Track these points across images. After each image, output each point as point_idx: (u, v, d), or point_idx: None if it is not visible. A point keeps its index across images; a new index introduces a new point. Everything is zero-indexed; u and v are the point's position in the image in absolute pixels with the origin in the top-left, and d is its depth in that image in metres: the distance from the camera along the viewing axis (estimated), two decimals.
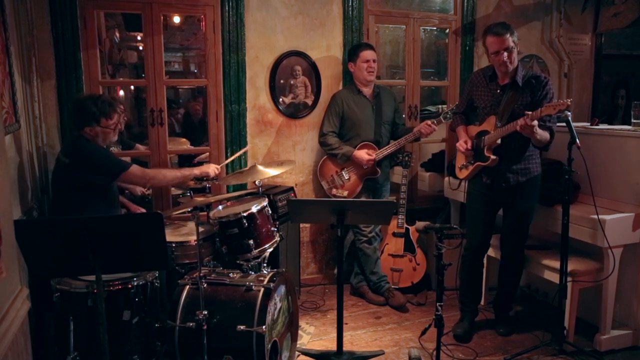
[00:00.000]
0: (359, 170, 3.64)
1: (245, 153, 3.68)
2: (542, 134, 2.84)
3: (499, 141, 2.98)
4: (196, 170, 3.00)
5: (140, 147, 4.04)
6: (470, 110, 3.32)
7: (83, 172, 2.64)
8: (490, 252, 3.44)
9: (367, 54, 3.60)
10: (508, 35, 2.88)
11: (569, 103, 2.64)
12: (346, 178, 3.67)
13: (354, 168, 3.65)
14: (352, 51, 3.70)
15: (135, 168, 2.78)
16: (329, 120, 3.67)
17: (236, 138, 3.67)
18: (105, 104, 2.72)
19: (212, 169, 3.03)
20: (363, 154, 3.56)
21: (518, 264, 3.25)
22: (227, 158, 3.62)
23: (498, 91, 3.04)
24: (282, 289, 2.69)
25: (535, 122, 2.73)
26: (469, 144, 3.12)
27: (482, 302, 3.60)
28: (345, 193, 3.66)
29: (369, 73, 3.61)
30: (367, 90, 3.69)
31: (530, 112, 2.74)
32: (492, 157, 3.00)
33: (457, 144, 3.20)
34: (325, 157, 3.78)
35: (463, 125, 3.28)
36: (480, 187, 3.17)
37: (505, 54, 2.89)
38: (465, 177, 3.22)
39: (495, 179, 3.07)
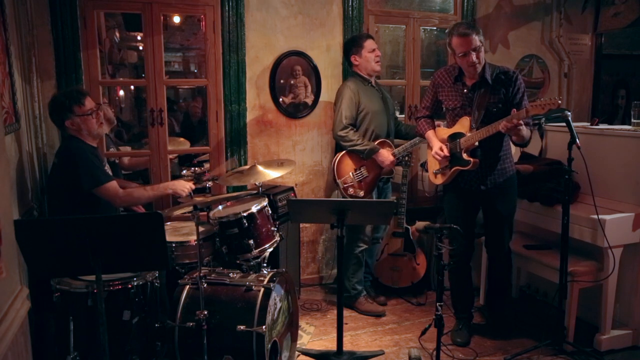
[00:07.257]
0: (376, 169, 3.45)
1: (244, 156, 3.68)
2: (526, 131, 2.76)
3: (476, 143, 2.85)
4: (169, 190, 2.86)
5: (127, 148, 4.06)
6: (436, 111, 3.17)
7: (67, 172, 2.62)
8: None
9: (372, 43, 3.47)
10: (474, 35, 2.76)
11: (559, 102, 2.53)
12: (364, 177, 3.46)
13: (372, 167, 3.45)
14: (353, 42, 3.51)
15: (111, 186, 2.66)
16: (348, 111, 3.38)
17: (236, 138, 3.67)
18: (72, 92, 2.73)
19: (180, 186, 2.83)
20: (388, 154, 3.37)
21: (507, 263, 3.18)
22: (227, 159, 3.63)
23: (466, 91, 2.92)
24: (282, 289, 2.69)
25: (522, 122, 2.65)
26: (446, 150, 2.95)
27: (481, 302, 3.60)
28: (362, 193, 3.44)
29: (377, 63, 3.47)
30: (373, 82, 3.57)
31: (515, 112, 2.63)
32: (473, 160, 2.87)
33: (432, 152, 3.02)
34: (342, 152, 3.49)
35: (432, 130, 3.13)
36: (458, 193, 3.05)
37: (474, 54, 2.77)
38: (442, 182, 3.09)
39: (472, 182, 2.98)
